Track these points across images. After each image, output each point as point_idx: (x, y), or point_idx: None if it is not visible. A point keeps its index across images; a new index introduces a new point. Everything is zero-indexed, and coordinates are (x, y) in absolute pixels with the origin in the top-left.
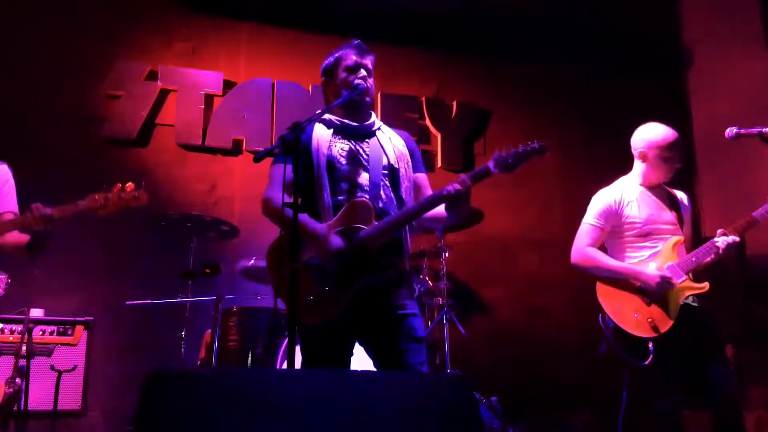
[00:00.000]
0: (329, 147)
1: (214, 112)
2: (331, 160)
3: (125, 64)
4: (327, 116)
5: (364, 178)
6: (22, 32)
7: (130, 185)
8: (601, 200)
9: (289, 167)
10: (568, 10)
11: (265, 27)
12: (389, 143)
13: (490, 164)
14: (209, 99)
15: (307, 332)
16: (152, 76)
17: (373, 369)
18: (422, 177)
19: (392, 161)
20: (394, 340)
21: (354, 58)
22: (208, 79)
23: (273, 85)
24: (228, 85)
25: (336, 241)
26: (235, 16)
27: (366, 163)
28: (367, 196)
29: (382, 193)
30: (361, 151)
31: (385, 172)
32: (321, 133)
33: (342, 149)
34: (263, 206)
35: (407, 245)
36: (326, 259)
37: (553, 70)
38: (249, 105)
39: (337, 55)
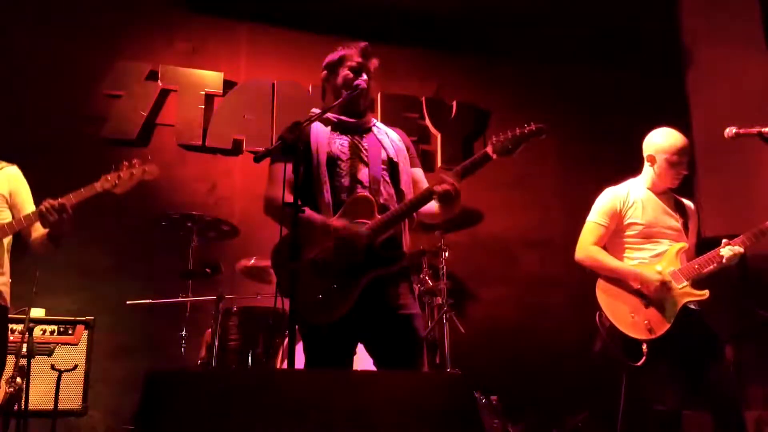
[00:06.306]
0: (329, 143)
1: (214, 112)
2: (331, 157)
3: (125, 64)
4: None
5: (363, 173)
6: (22, 32)
7: (136, 161)
8: (607, 199)
9: (290, 165)
10: (567, 10)
11: (265, 27)
12: (386, 138)
13: (489, 150)
14: (209, 99)
15: (313, 333)
16: (152, 76)
17: (373, 369)
18: (418, 171)
19: (391, 155)
20: (394, 341)
21: (359, 59)
22: (208, 79)
23: (273, 85)
24: (228, 85)
25: (363, 232)
26: (235, 16)
27: (365, 158)
28: (368, 192)
29: (382, 188)
30: (360, 145)
31: (384, 166)
32: (319, 130)
33: (342, 145)
34: (265, 205)
35: (406, 241)
36: (342, 253)
37: (553, 70)
38: (249, 105)
39: (342, 53)
